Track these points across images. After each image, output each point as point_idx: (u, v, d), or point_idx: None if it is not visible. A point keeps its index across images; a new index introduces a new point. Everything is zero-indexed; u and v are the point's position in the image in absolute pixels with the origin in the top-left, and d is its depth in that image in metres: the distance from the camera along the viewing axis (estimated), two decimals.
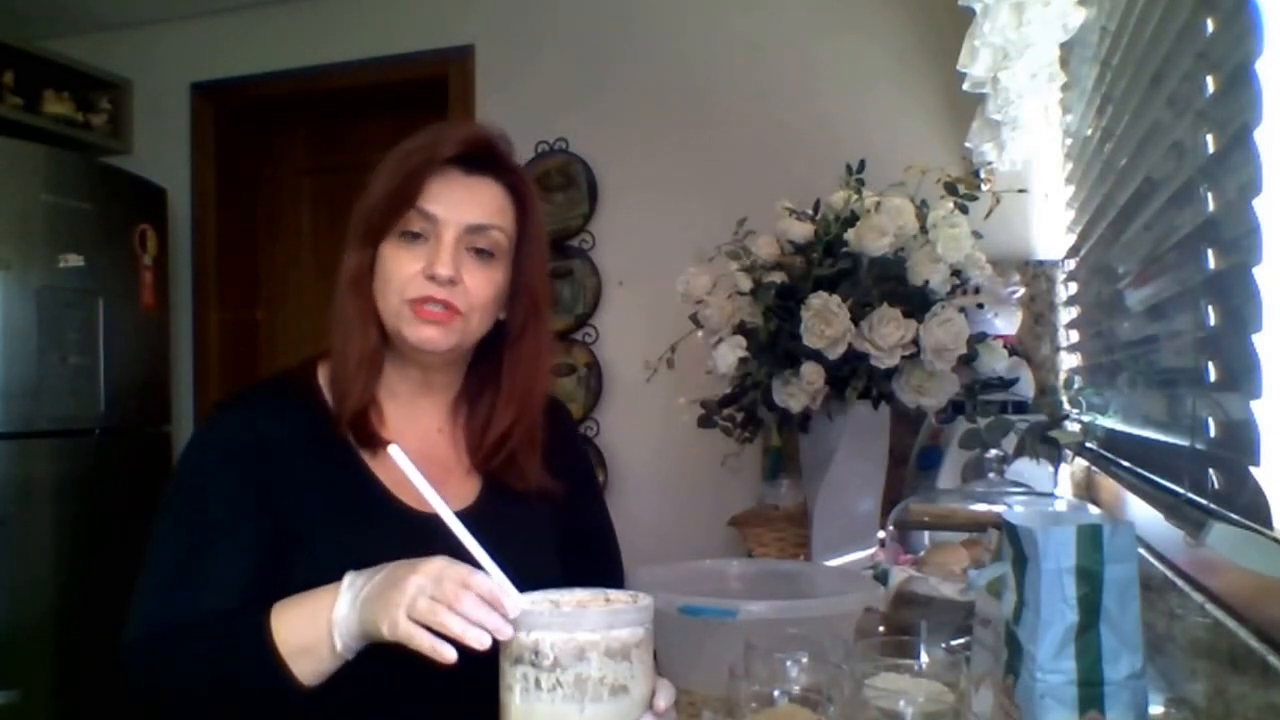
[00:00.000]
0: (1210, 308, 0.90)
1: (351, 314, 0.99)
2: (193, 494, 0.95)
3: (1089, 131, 1.63)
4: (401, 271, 0.96)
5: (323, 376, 1.03)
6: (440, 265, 0.94)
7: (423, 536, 0.83)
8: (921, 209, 1.56)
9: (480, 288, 0.97)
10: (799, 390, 1.49)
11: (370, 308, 0.99)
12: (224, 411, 1.01)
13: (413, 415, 1.04)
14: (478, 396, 1.06)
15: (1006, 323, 1.83)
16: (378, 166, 0.99)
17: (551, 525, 1.09)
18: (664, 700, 0.75)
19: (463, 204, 0.97)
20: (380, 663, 0.83)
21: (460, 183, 0.98)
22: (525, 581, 0.79)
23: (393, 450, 0.80)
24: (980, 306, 1.68)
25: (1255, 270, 0.75)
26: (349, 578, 0.84)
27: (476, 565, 0.77)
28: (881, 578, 1.31)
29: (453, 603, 0.74)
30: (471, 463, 1.06)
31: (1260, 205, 0.75)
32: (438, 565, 0.78)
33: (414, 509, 0.95)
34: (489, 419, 1.05)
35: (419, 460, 0.97)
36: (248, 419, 0.98)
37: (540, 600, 0.75)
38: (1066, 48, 1.59)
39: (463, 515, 0.97)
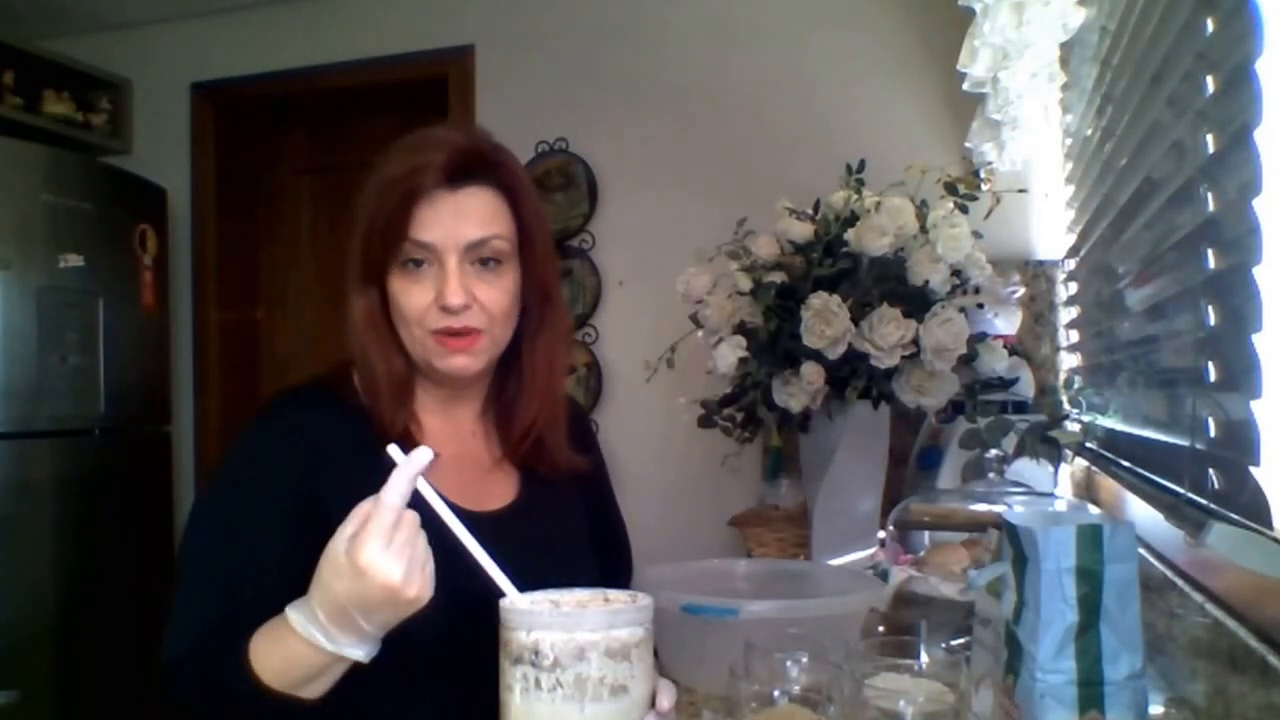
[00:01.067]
0: (1210, 308, 0.90)
1: (372, 350, 0.98)
2: (236, 502, 0.92)
3: (1089, 131, 1.63)
4: (414, 305, 0.95)
5: (359, 382, 1.01)
6: (451, 294, 0.92)
7: (479, 536, 0.81)
8: (921, 209, 1.55)
9: (495, 300, 0.96)
10: (799, 390, 1.49)
11: (391, 341, 0.98)
12: (268, 419, 0.98)
13: (448, 422, 1.05)
14: (503, 392, 1.07)
15: (1006, 323, 1.83)
16: (362, 194, 0.97)
17: (585, 513, 1.11)
18: (666, 700, 0.75)
19: (456, 223, 0.94)
20: (382, 669, 0.83)
21: (449, 201, 0.94)
22: (565, 574, 0.80)
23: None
24: (980, 306, 1.68)
25: (1255, 270, 0.75)
26: (302, 625, 0.77)
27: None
28: (882, 578, 1.31)
29: (413, 544, 0.75)
30: (505, 455, 1.06)
31: (1260, 205, 0.75)
32: (378, 575, 0.73)
33: (469, 510, 0.94)
34: (515, 411, 1.05)
35: (457, 462, 1.01)
36: (295, 427, 0.96)
37: (540, 600, 0.75)
38: (1066, 48, 1.59)
39: (506, 511, 1.02)
